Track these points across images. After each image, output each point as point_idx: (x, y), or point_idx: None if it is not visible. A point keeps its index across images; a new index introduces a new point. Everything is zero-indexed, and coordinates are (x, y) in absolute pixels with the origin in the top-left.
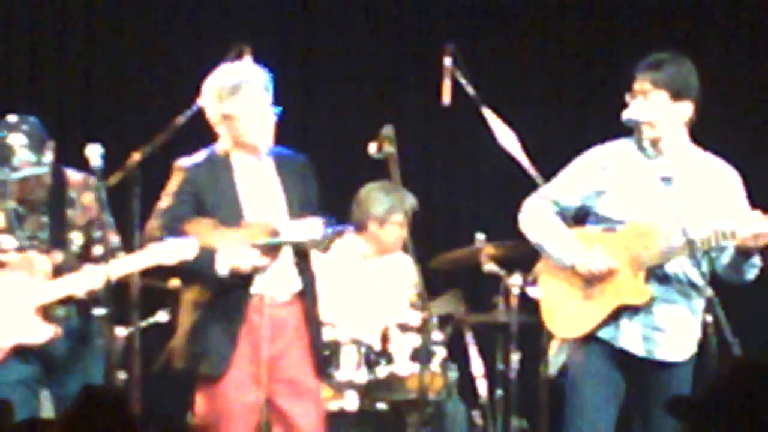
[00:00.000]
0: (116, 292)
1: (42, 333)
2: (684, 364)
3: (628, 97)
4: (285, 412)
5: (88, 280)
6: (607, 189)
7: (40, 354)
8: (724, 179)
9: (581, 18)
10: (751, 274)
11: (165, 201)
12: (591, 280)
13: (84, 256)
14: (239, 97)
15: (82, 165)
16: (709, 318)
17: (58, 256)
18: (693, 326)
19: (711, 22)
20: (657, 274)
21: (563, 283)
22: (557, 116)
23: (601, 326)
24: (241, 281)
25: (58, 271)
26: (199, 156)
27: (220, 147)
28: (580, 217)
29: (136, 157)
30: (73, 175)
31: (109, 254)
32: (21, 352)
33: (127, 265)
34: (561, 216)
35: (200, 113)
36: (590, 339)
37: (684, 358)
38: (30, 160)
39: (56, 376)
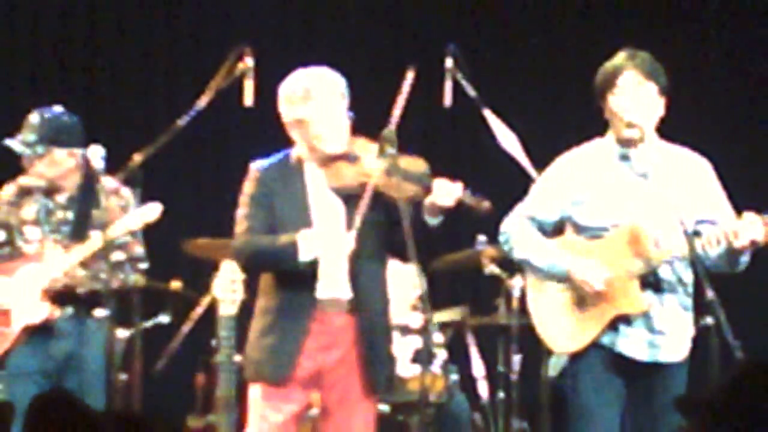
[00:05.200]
0: (118, 294)
1: (40, 312)
2: (683, 363)
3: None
4: (331, 421)
5: (85, 248)
6: (586, 197)
7: (43, 347)
8: (697, 170)
9: (582, 19)
10: (744, 264)
11: (244, 208)
12: (583, 292)
13: (102, 258)
14: (311, 102)
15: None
16: (710, 320)
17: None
18: (688, 323)
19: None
20: (648, 277)
21: (554, 296)
22: (558, 117)
23: (599, 336)
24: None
25: None
26: (273, 159)
27: (294, 152)
28: (558, 229)
29: (138, 158)
30: (107, 181)
31: (132, 262)
32: (29, 345)
33: (97, 240)
34: (541, 232)
35: (202, 114)
36: (589, 345)
37: (683, 357)
38: (27, 140)
39: (60, 372)
